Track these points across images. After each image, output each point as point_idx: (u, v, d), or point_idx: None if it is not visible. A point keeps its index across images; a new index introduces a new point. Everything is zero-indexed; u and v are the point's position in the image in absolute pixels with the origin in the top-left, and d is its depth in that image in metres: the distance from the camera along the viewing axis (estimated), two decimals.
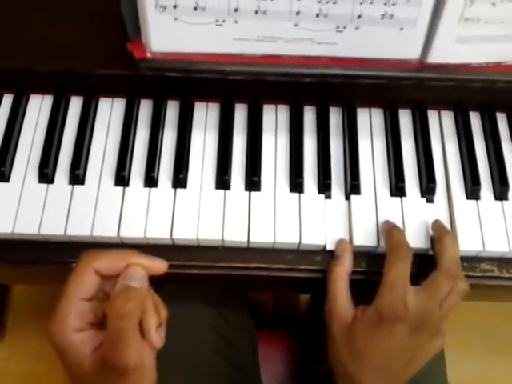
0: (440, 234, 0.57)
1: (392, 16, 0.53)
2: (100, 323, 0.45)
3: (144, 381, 0.44)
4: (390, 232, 0.57)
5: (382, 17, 0.53)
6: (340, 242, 0.59)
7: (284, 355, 0.80)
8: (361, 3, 0.53)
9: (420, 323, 0.52)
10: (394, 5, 0.53)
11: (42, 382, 1.22)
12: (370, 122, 0.66)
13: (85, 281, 0.44)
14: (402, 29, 0.55)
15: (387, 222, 0.59)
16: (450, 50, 0.57)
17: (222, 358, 0.73)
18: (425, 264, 0.58)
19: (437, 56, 0.57)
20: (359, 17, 0.53)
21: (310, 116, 0.66)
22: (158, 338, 0.45)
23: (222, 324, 0.75)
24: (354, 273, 0.58)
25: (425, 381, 0.64)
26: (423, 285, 0.54)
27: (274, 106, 0.66)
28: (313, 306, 0.91)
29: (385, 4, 0.52)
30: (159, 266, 0.47)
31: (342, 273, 0.57)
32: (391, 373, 0.54)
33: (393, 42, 0.56)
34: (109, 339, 0.42)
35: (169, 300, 0.49)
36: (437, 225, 0.58)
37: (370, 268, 0.59)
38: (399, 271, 0.53)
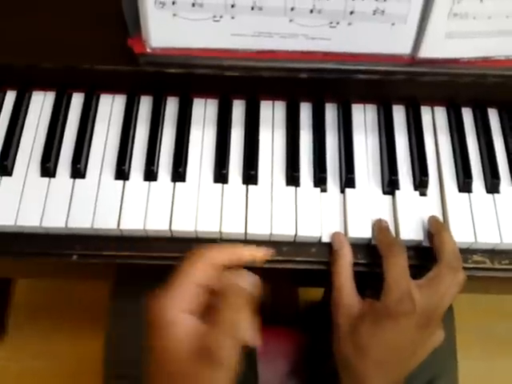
0: (438, 229, 0.58)
1: (383, 12, 0.55)
2: (201, 314, 0.45)
3: (229, 380, 0.44)
4: (379, 232, 0.59)
5: (374, 12, 0.55)
6: (335, 236, 0.59)
7: (283, 349, 0.80)
8: None
9: (427, 317, 0.53)
10: (385, 1, 0.54)
11: (42, 383, 1.22)
12: (364, 118, 0.67)
13: (202, 267, 0.45)
14: (393, 24, 0.56)
15: (377, 222, 0.60)
16: (439, 45, 0.58)
17: None
18: (419, 256, 0.59)
19: (427, 51, 0.58)
20: (351, 12, 0.55)
21: (306, 112, 0.67)
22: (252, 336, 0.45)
23: None
24: None
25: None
26: (427, 279, 0.55)
27: (271, 102, 0.67)
28: (326, 301, 0.92)
29: (376, 0, 0.54)
30: (267, 253, 0.50)
31: (345, 264, 0.57)
32: (394, 366, 0.55)
33: (384, 38, 0.57)
34: (214, 330, 0.43)
35: None
36: (433, 220, 0.59)
37: (366, 259, 0.60)
38: (398, 267, 0.54)
